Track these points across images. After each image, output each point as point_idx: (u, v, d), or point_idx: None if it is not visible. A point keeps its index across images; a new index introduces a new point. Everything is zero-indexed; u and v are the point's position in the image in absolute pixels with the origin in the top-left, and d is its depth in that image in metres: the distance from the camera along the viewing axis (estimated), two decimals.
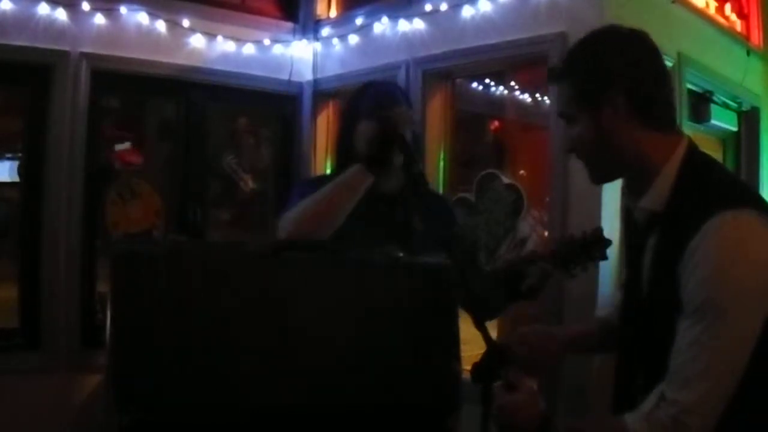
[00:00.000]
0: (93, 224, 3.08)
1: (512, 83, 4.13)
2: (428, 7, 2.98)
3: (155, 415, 0.96)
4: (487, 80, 4.08)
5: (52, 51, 2.91)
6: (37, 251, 2.93)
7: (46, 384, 2.87)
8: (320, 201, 1.39)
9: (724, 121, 3.36)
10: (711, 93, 3.10)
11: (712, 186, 1.06)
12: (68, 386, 2.92)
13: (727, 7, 3.32)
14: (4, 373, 2.80)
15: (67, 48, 2.94)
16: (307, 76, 3.58)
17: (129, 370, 0.96)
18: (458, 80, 3.22)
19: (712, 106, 3.14)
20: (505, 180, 2.84)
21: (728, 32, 3.25)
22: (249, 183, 3.73)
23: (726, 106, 3.33)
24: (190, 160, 3.38)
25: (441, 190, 3.02)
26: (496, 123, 4.71)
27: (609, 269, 2.32)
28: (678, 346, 0.99)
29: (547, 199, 2.62)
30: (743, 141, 3.55)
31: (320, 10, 3.61)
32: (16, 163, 3.18)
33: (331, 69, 3.48)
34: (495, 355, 1.06)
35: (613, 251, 2.33)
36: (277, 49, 3.51)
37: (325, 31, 3.52)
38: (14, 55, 2.84)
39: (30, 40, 2.86)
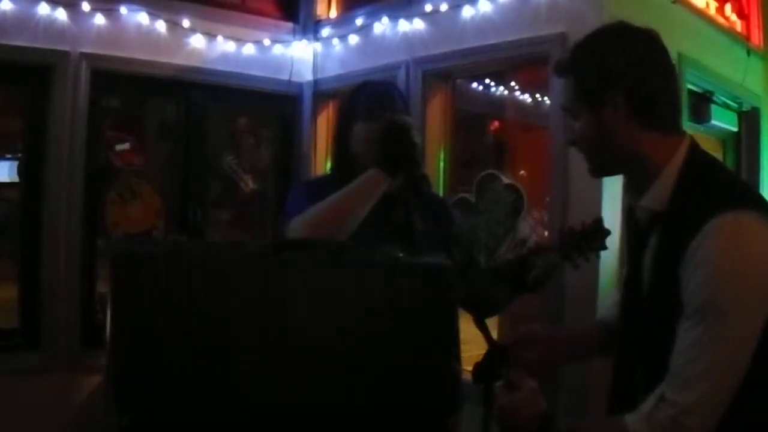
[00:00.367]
0: (93, 224, 3.08)
1: (512, 83, 4.13)
2: (428, 8, 2.98)
3: (155, 415, 0.96)
4: (487, 80, 4.09)
5: (52, 51, 2.91)
6: (37, 251, 2.93)
7: (46, 384, 2.87)
8: (335, 205, 1.36)
9: (724, 121, 3.36)
10: (711, 93, 3.10)
11: (713, 186, 1.05)
12: (68, 386, 2.92)
13: (728, 7, 3.32)
14: (4, 373, 2.80)
15: (67, 48, 2.94)
16: (307, 76, 3.58)
17: (129, 370, 0.96)
18: (458, 80, 3.22)
19: (713, 107, 3.14)
20: (505, 180, 2.83)
21: (728, 32, 3.25)
22: (249, 183, 3.73)
23: (726, 106, 3.33)
24: (190, 160, 3.38)
25: (441, 191, 3.02)
26: (496, 123, 4.72)
27: (609, 268, 2.32)
28: (678, 347, 0.99)
29: (547, 199, 2.62)
30: (743, 141, 3.55)
31: (320, 10, 3.61)
32: (16, 164, 3.18)
33: (331, 69, 3.48)
34: (496, 354, 1.06)
35: (613, 251, 2.35)
36: (277, 50, 3.51)
37: (325, 32, 3.52)
38: (14, 55, 2.84)
39: (30, 41, 2.86)
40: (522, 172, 3.62)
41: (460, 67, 2.99)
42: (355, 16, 3.33)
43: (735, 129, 3.53)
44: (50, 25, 2.91)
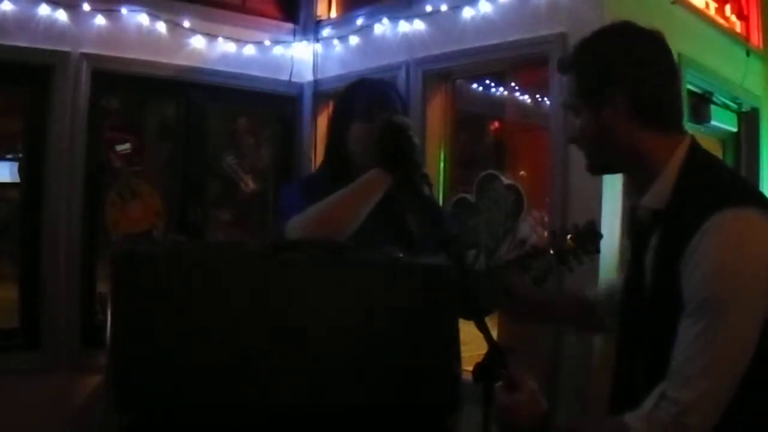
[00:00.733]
0: (93, 224, 3.08)
1: (512, 84, 4.13)
2: (428, 8, 2.98)
3: (155, 415, 0.96)
4: (487, 81, 4.08)
5: (52, 52, 2.91)
6: (38, 251, 2.93)
7: (46, 384, 2.87)
8: (337, 205, 1.35)
9: (724, 121, 3.37)
10: (711, 94, 3.10)
11: (713, 184, 1.06)
12: (68, 386, 2.92)
13: (727, 8, 3.32)
14: (4, 373, 2.80)
15: (67, 49, 2.94)
16: (308, 76, 3.58)
17: (129, 370, 0.97)
18: (458, 81, 3.22)
19: (712, 107, 3.14)
20: (506, 181, 2.83)
21: (728, 33, 3.25)
22: (249, 183, 3.73)
23: (726, 106, 3.34)
24: (190, 161, 3.39)
25: (441, 191, 3.02)
26: (496, 124, 4.71)
27: (609, 268, 2.33)
28: (679, 345, 0.99)
29: (547, 199, 2.62)
30: (743, 142, 3.55)
31: (320, 10, 3.61)
32: (16, 164, 3.18)
33: (332, 70, 3.49)
34: (496, 355, 1.06)
35: (613, 252, 2.35)
36: (278, 50, 3.51)
37: (326, 32, 3.52)
38: (15, 55, 2.85)
39: (30, 41, 2.86)
40: (522, 172, 3.62)
41: (460, 67, 2.99)
42: (356, 17, 3.33)
43: (734, 129, 3.53)
44: (51, 25, 2.91)
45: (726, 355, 0.97)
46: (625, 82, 1.07)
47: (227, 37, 3.35)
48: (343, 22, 3.46)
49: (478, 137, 4.70)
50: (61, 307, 2.93)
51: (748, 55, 3.31)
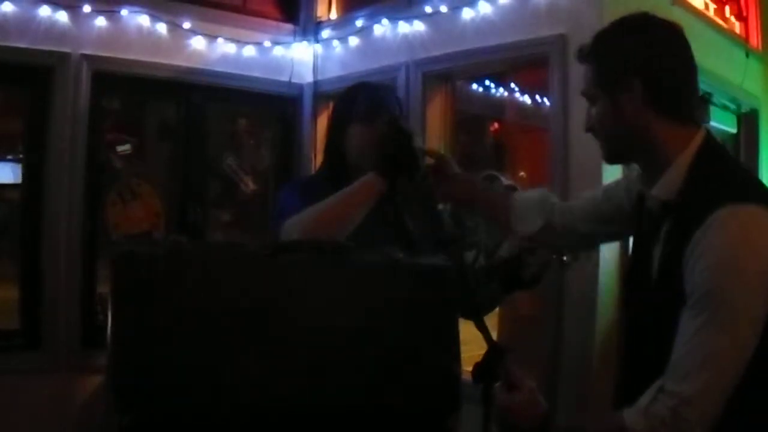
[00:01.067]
0: (93, 225, 3.08)
1: (512, 85, 4.14)
2: (428, 9, 2.98)
3: (155, 415, 0.96)
4: (487, 82, 4.09)
5: (53, 53, 2.91)
6: (38, 252, 2.94)
7: (46, 384, 2.87)
8: (332, 209, 1.37)
9: (723, 123, 3.37)
10: (710, 95, 3.10)
11: (722, 178, 1.06)
12: (68, 386, 2.93)
13: (727, 9, 3.32)
14: (4, 373, 2.80)
15: (68, 50, 2.94)
16: (308, 77, 3.58)
17: (129, 370, 0.97)
18: (458, 82, 3.22)
19: (711, 108, 3.14)
20: (505, 181, 2.84)
21: (727, 34, 3.26)
22: (249, 184, 3.74)
23: (725, 108, 3.34)
24: (190, 161, 3.39)
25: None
26: (496, 124, 4.72)
27: (609, 268, 2.33)
28: (679, 338, 0.99)
29: None
30: (742, 143, 3.55)
31: (320, 11, 3.62)
32: (18, 165, 3.18)
33: (332, 71, 3.49)
34: (496, 355, 1.07)
35: (613, 252, 2.35)
36: (278, 51, 3.51)
37: (326, 33, 3.53)
38: (15, 56, 2.85)
39: (31, 42, 2.87)
40: (522, 173, 3.63)
41: (460, 68, 3.00)
42: (355, 18, 3.33)
43: (734, 131, 3.54)
44: (51, 26, 2.91)
45: (726, 349, 0.96)
46: (643, 71, 1.08)
47: (227, 38, 3.35)
48: (343, 23, 3.47)
49: (478, 138, 4.70)
50: (61, 308, 2.93)
51: (747, 56, 3.31)
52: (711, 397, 0.96)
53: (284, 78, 3.51)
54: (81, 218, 2.99)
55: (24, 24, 2.85)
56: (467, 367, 1.10)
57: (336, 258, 1.10)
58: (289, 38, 3.56)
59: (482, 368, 1.06)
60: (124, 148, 3.39)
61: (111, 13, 3.05)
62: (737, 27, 3.42)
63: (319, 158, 3.65)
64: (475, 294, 1.26)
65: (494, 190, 1.54)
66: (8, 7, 2.82)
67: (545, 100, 3.38)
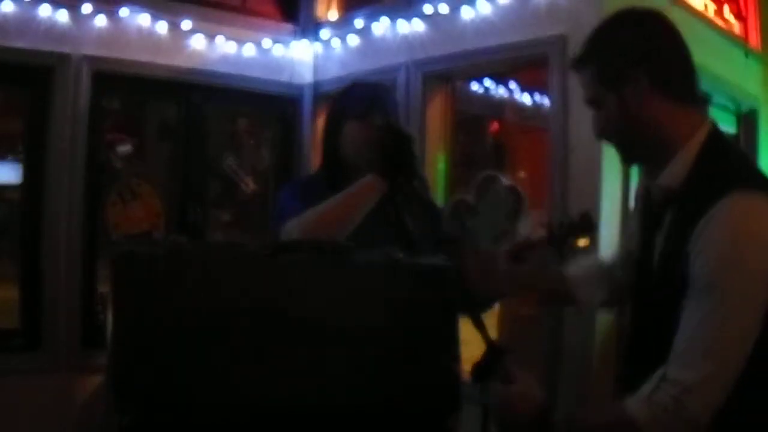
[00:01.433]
0: (93, 225, 3.08)
1: (512, 85, 4.14)
2: (428, 9, 2.98)
3: (155, 415, 0.96)
4: (487, 82, 4.09)
5: (53, 53, 2.91)
6: (38, 252, 2.94)
7: (46, 384, 2.87)
8: (332, 210, 1.38)
9: (722, 123, 3.36)
10: (709, 95, 3.10)
11: (728, 168, 1.07)
12: (68, 386, 2.93)
13: (726, 9, 3.32)
14: (4, 373, 2.80)
15: (68, 50, 2.94)
16: (308, 77, 3.59)
17: (129, 370, 0.97)
18: (458, 82, 3.22)
19: (711, 108, 3.14)
20: (505, 181, 2.84)
21: (726, 34, 3.26)
22: (249, 184, 3.74)
23: (724, 108, 3.34)
24: (190, 161, 3.39)
25: (441, 192, 3.03)
26: (496, 125, 4.72)
27: None
28: (682, 328, 0.99)
29: (547, 199, 2.62)
30: (741, 143, 3.55)
31: (320, 11, 3.62)
32: (18, 165, 3.18)
33: (332, 71, 3.49)
34: (494, 354, 1.07)
35: (613, 249, 2.35)
36: (278, 51, 3.51)
37: (326, 33, 3.53)
38: (15, 57, 2.85)
39: (31, 42, 2.87)
40: (521, 173, 3.63)
41: (460, 68, 3.00)
42: (355, 18, 3.33)
43: (733, 131, 3.54)
44: (51, 27, 2.91)
45: (729, 339, 0.97)
46: (642, 58, 1.09)
47: (227, 38, 3.35)
48: (342, 23, 3.47)
49: (478, 138, 4.70)
50: (61, 308, 2.93)
51: (746, 56, 3.31)
52: (714, 386, 0.96)
53: (284, 78, 3.51)
54: (81, 218, 2.99)
55: (24, 24, 2.85)
56: (467, 367, 1.10)
57: (336, 258, 1.10)
58: (289, 38, 3.56)
59: (482, 367, 1.06)
60: (124, 148, 3.39)
61: (111, 14, 3.04)
62: (736, 27, 3.42)
63: (319, 158, 3.66)
64: (472, 286, 1.26)
65: (538, 263, 1.50)
66: (8, 8, 2.82)
67: (545, 100, 3.39)
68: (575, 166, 2.41)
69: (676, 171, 1.09)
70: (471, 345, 1.28)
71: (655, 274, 1.11)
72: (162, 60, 3.17)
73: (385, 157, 1.38)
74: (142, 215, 3.25)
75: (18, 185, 3.12)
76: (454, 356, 1.19)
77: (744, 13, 3.46)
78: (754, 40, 3.49)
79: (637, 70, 1.09)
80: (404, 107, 2.86)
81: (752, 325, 0.98)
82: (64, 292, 2.94)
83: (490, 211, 2.82)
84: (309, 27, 3.58)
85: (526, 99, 4.16)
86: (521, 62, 2.84)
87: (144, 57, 3.12)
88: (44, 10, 2.89)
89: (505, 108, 4.28)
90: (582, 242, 1.41)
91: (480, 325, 1.08)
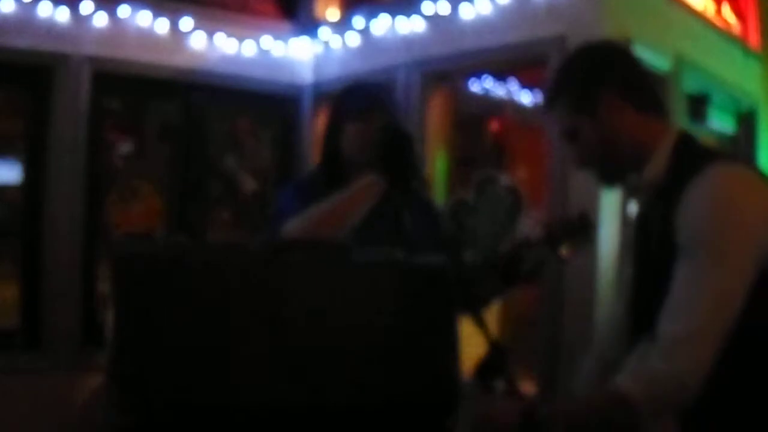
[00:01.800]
0: (94, 225, 3.09)
1: (512, 85, 4.14)
2: (428, 9, 2.99)
3: (155, 415, 0.97)
4: (486, 82, 4.09)
5: (53, 53, 2.92)
6: (38, 252, 2.94)
7: (46, 384, 2.88)
8: (332, 210, 1.38)
9: (721, 123, 3.37)
10: (709, 95, 3.10)
11: (705, 151, 1.14)
12: (68, 386, 2.93)
13: (725, 9, 3.32)
14: (4, 373, 2.80)
15: (68, 50, 2.95)
16: (308, 77, 3.59)
17: (129, 370, 0.97)
18: (458, 82, 3.23)
19: (710, 108, 3.14)
20: (505, 181, 2.84)
21: (726, 34, 3.26)
22: (249, 184, 3.74)
23: (724, 108, 3.34)
24: (190, 161, 3.39)
25: (441, 192, 3.03)
26: (496, 124, 4.71)
27: (609, 268, 2.33)
28: (672, 286, 1.02)
29: (546, 199, 2.62)
30: (741, 143, 3.56)
31: (320, 11, 3.62)
32: (18, 165, 3.18)
33: (331, 70, 3.49)
34: (497, 352, 1.07)
35: (612, 252, 2.35)
36: (278, 51, 3.52)
37: (325, 33, 3.53)
38: (16, 57, 2.86)
39: (31, 42, 2.87)
40: (521, 173, 3.63)
41: (460, 68, 3.00)
42: (355, 17, 3.33)
43: (732, 131, 3.54)
44: (51, 27, 2.92)
45: (715, 292, 0.99)
46: (608, 77, 1.16)
47: (227, 38, 3.35)
48: (342, 23, 3.47)
49: (478, 138, 4.70)
50: (61, 307, 2.93)
51: (746, 56, 3.31)
52: (701, 340, 0.98)
53: (284, 78, 3.52)
54: (81, 218, 2.99)
55: (24, 24, 2.86)
56: (467, 367, 1.11)
57: (336, 258, 1.11)
58: (289, 38, 3.56)
59: (485, 366, 1.07)
60: (124, 148, 3.39)
61: (111, 14, 3.05)
62: (736, 27, 3.42)
63: (318, 157, 3.66)
64: (471, 284, 1.26)
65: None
66: (8, 7, 2.82)
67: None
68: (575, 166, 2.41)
69: (657, 164, 1.13)
70: (471, 345, 1.28)
71: (654, 258, 1.12)
72: (162, 60, 3.18)
73: (385, 157, 1.38)
74: (142, 215, 3.25)
75: (18, 185, 3.13)
76: (454, 356, 1.19)
77: (744, 13, 3.46)
78: (754, 40, 3.49)
79: (605, 89, 1.15)
80: (404, 107, 2.86)
81: (738, 282, 1.00)
82: (64, 292, 2.94)
83: (489, 210, 2.82)
84: (309, 26, 3.58)
85: (525, 98, 4.16)
86: (521, 62, 2.84)
87: (144, 57, 3.13)
88: (44, 10, 2.89)
89: (506, 108, 4.28)
90: (564, 251, 1.41)
91: (481, 324, 1.08)
